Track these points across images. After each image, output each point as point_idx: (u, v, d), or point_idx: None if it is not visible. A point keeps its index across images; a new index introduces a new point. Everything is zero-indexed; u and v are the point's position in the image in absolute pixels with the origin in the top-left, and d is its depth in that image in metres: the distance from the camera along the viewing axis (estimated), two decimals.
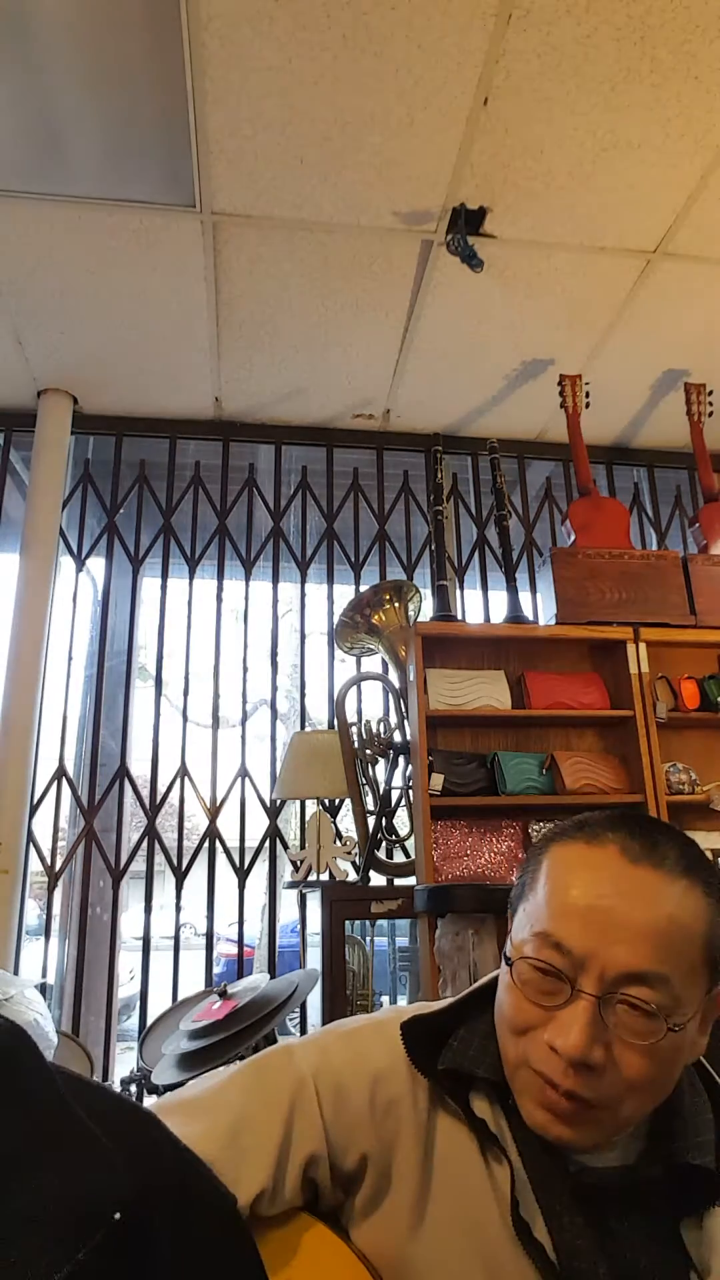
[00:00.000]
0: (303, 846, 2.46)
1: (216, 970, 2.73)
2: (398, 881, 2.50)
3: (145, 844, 2.71)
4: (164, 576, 3.02)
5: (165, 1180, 0.52)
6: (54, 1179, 0.43)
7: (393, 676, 2.68)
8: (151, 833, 2.71)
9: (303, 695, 3.02)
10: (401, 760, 2.47)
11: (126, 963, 3.09)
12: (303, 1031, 2.72)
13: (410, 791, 2.38)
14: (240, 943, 2.82)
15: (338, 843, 2.41)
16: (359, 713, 2.77)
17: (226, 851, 2.73)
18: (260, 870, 2.75)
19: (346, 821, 2.64)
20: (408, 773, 2.43)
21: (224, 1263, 0.53)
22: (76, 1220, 0.42)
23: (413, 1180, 0.68)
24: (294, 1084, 0.70)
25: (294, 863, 2.42)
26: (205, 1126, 0.68)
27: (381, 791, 2.45)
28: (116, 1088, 2.27)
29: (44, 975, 2.65)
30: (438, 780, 2.16)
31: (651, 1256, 0.65)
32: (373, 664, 2.91)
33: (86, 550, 3.02)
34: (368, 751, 2.47)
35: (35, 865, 2.62)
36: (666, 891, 0.64)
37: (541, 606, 3.14)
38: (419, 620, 2.51)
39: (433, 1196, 0.68)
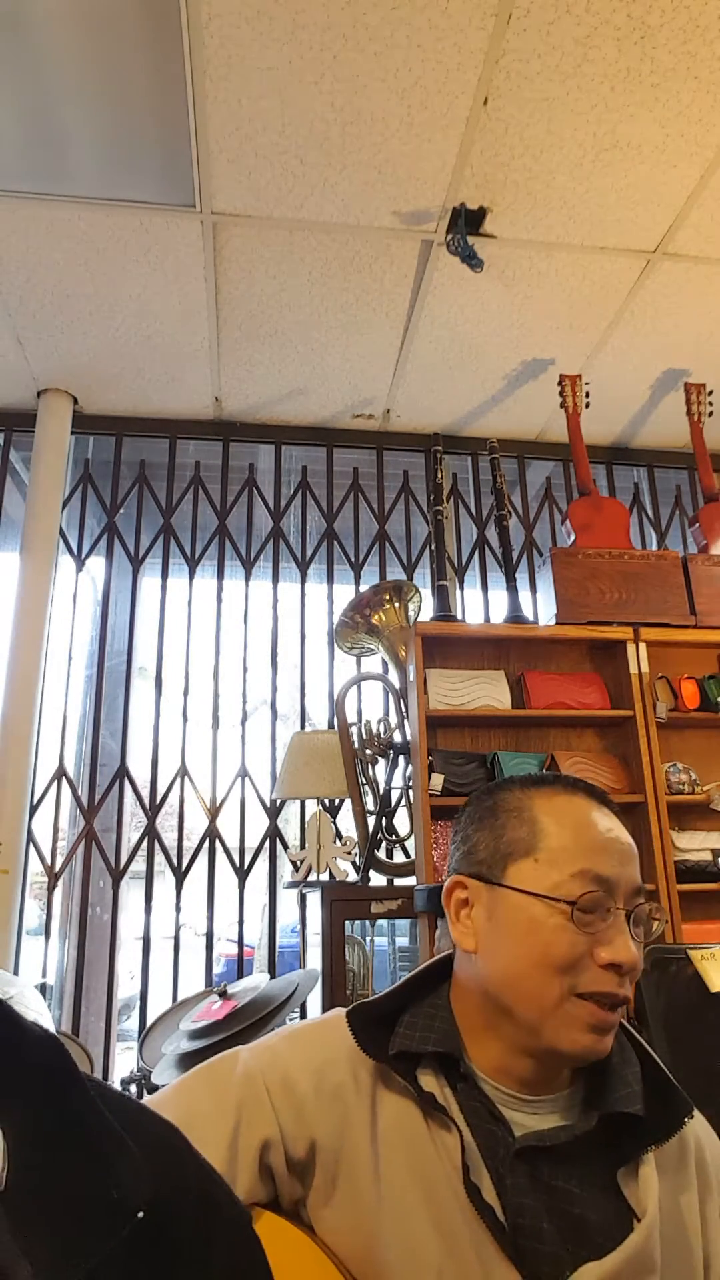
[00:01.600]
0: (303, 846, 2.47)
1: (216, 970, 2.73)
2: (398, 881, 2.50)
3: (145, 844, 2.71)
4: (164, 576, 3.02)
5: (186, 1186, 0.54)
6: (89, 1175, 0.47)
7: (393, 676, 2.68)
8: (151, 833, 2.71)
9: (303, 695, 3.02)
10: (401, 760, 2.47)
11: (126, 963, 3.09)
12: None
13: (410, 791, 2.38)
14: (240, 943, 2.82)
15: (338, 843, 2.41)
16: (359, 713, 2.77)
17: (226, 851, 2.73)
18: (260, 870, 2.75)
19: (346, 821, 2.64)
20: (408, 773, 2.43)
21: (239, 1269, 0.56)
22: (107, 1214, 0.46)
23: (365, 1161, 0.71)
24: (242, 1079, 0.74)
25: (294, 863, 2.42)
26: None
27: (381, 791, 2.45)
28: (116, 1088, 2.27)
29: (44, 975, 2.66)
30: (438, 780, 2.16)
31: (594, 1208, 0.69)
32: (373, 664, 2.91)
33: (86, 550, 3.02)
34: (368, 751, 2.47)
35: (35, 865, 2.62)
36: (621, 824, 0.80)
37: (541, 606, 3.14)
38: (419, 620, 2.51)
39: (385, 1173, 0.70)
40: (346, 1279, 0.68)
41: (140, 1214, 0.46)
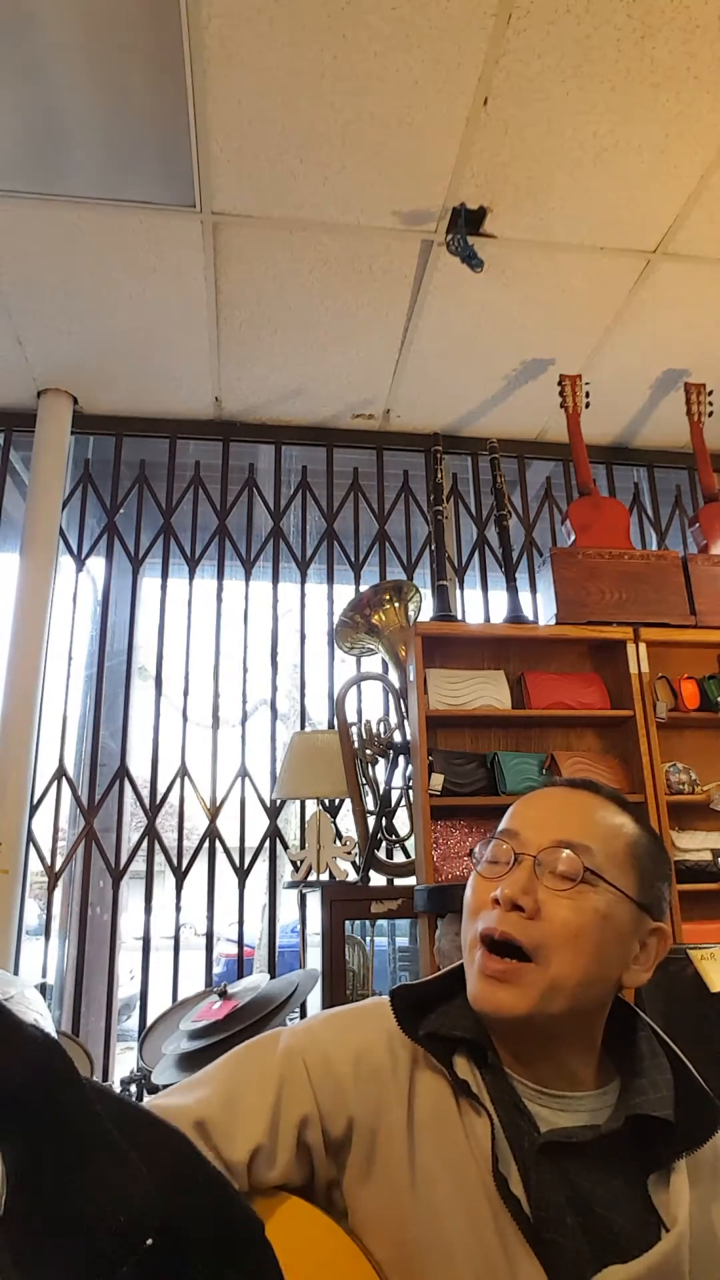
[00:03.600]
0: (303, 846, 2.47)
1: (216, 970, 2.73)
2: (398, 881, 2.50)
3: (145, 844, 2.71)
4: (164, 576, 3.02)
5: (196, 1201, 0.52)
6: (89, 1205, 0.44)
7: (393, 676, 2.68)
8: (151, 833, 2.71)
9: (303, 695, 3.02)
10: (401, 760, 2.47)
11: (126, 963, 3.09)
12: None
13: (410, 791, 2.38)
14: (240, 943, 2.82)
15: (338, 843, 2.41)
16: (359, 713, 2.77)
17: (226, 851, 2.73)
18: (260, 870, 2.75)
19: (346, 821, 2.63)
20: (408, 773, 2.43)
21: None
22: (110, 1246, 0.43)
23: (401, 1142, 0.72)
24: (284, 1057, 0.76)
25: (294, 863, 2.42)
26: (202, 1095, 0.73)
27: (381, 791, 2.45)
28: (116, 1088, 2.27)
29: (44, 975, 2.66)
30: (438, 780, 2.16)
31: (620, 1212, 0.69)
32: (373, 664, 2.91)
33: (86, 550, 3.02)
34: (368, 751, 2.47)
35: (35, 865, 2.62)
36: (597, 803, 0.82)
37: (541, 606, 3.14)
38: (419, 620, 2.51)
39: (420, 1155, 0.71)
40: (373, 1265, 0.68)
41: (149, 1242, 0.44)
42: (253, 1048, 0.79)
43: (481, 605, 3.17)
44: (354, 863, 2.42)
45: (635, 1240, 0.67)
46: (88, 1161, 0.45)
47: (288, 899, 2.93)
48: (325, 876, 2.35)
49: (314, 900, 2.59)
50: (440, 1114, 0.73)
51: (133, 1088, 2.08)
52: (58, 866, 2.64)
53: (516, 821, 0.81)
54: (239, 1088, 0.73)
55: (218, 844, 2.74)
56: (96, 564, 3.04)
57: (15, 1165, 0.43)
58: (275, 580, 3.08)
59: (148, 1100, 0.78)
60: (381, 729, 2.50)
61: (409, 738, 2.41)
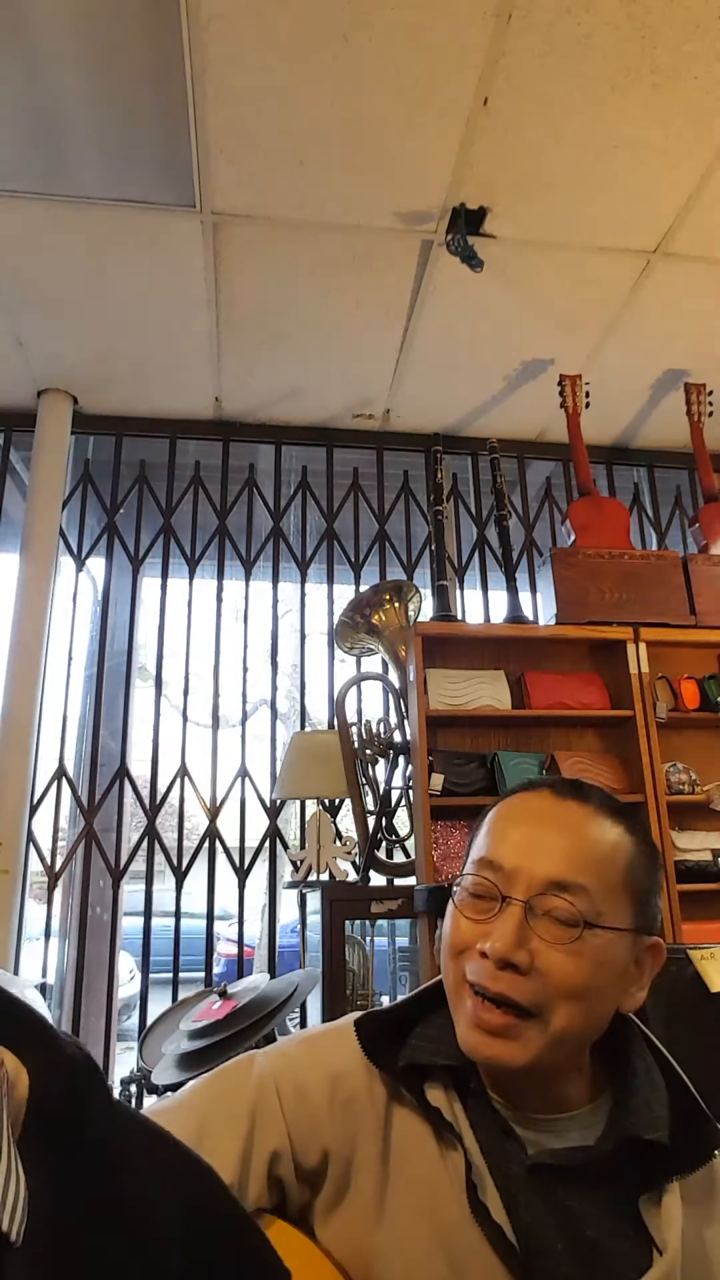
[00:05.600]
0: (303, 846, 2.47)
1: (216, 970, 2.73)
2: (398, 881, 2.50)
3: (145, 844, 2.71)
4: (164, 576, 3.02)
5: (223, 1247, 0.51)
6: (116, 1238, 0.43)
7: (393, 676, 2.68)
8: (151, 833, 2.71)
9: (303, 695, 3.02)
10: (401, 760, 2.47)
11: (127, 963, 3.09)
12: None
13: (410, 791, 2.38)
14: (240, 943, 2.82)
15: (338, 843, 2.41)
16: (359, 713, 2.77)
17: (226, 851, 2.73)
18: (260, 870, 2.75)
19: (346, 821, 2.63)
20: (408, 773, 2.43)
21: None
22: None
23: (373, 1174, 0.70)
24: (256, 1086, 0.73)
25: (294, 863, 2.42)
26: (172, 1129, 0.70)
27: (381, 791, 2.45)
28: (116, 1088, 2.27)
29: (44, 975, 2.66)
30: (438, 780, 2.16)
31: (612, 1235, 0.66)
32: (373, 664, 2.91)
33: (86, 550, 3.02)
34: (368, 751, 2.47)
35: (35, 865, 2.62)
36: (589, 820, 0.73)
37: (541, 606, 3.14)
38: (419, 620, 2.51)
39: (392, 1188, 0.69)
40: None
41: None
42: (225, 1075, 0.75)
43: (481, 605, 3.17)
44: (354, 863, 2.42)
45: (627, 1264, 0.64)
46: (115, 1190, 0.44)
47: (288, 899, 2.93)
48: (325, 876, 2.35)
49: (314, 900, 2.59)
50: (417, 1146, 0.70)
51: (133, 1088, 2.09)
52: (58, 866, 2.64)
53: (498, 849, 0.73)
54: (209, 1120, 0.71)
55: (218, 844, 2.74)
56: (96, 564, 3.04)
57: (40, 1190, 0.40)
58: (275, 580, 3.08)
59: None
60: (381, 729, 2.50)
61: (409, 738, 2.41)
